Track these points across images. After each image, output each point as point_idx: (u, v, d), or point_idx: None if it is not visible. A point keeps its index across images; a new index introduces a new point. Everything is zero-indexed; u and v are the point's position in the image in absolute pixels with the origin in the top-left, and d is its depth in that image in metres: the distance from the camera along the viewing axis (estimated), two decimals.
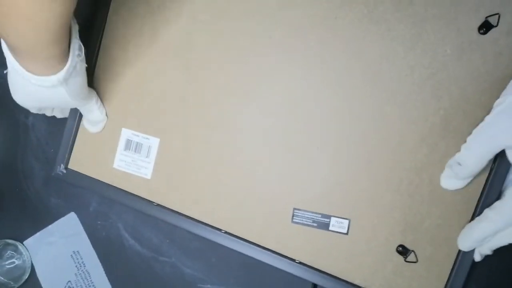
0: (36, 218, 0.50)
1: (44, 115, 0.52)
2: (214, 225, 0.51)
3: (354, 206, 0.47)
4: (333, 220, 0.48)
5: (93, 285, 0.48)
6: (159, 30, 0.52)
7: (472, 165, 0.42)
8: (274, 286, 0.50)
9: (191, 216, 0.51)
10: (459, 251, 0.44)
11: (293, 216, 0.48)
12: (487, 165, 0.41)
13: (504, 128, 0.40)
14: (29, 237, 0.49)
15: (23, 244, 0.49)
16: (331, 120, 0.47)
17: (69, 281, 0.48)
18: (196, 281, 0.51)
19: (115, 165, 0.54)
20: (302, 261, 0.48)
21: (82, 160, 0.54)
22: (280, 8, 0.48)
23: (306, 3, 0.47)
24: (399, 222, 0.46)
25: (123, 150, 0.53)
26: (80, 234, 0.49)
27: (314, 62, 0.48)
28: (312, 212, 0.48)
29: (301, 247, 0.48)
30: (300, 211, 0.48)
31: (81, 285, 0.48)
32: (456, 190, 0.44)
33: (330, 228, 0.48)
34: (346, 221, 0.47)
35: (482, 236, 0.42)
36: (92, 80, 0.54)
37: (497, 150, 0.40)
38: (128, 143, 0.53)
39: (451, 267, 0.45)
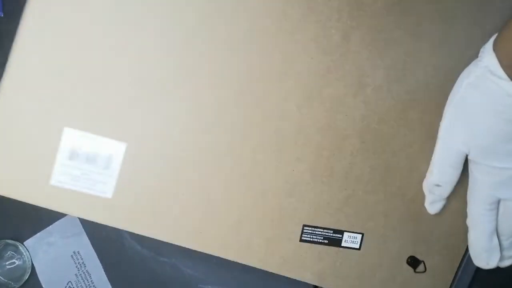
0: (36, 219, 0.48)
1: None
2: (205, 252, 0.40)
3: (368, 218, 0.43)
4: (345, 236, 0.42)
5: (93, 285, 0.48)
6: None
7: (450, 181, 0.42)
8: (275, 287, 0.47)
9: (173, 243, 0.40)
10: (464, 256, 0.45)
11: (301, 234, 0.42)
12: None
13: (462, 133, 0.40)
14: (29, 237, 0.48)
15: (23, 245, 0.47)
16: (351, 123, 0.41)
17: (70, 281, 0.48)
18: (196, 282, 0.48)
19: (54, 181, 0.37)
20: (309, 282, 0.43)
21: None
22: None
23: None
24: (411, 233, 0.44)
25: (67, 160, 0.37)
26: (80, 234, 0.47)
27: (334, 55, 0.40)
28: (323, 228, 0.42)
29: (309, 267, 0.42)
30: (310, 228, 0.42)
31: (81, 285, 0.48)
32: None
33: (343, 244, 0.42)
34: (359, 236, 0.43)
35: (480, 244, 0.42)
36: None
37: (462, 155, 0.40)
38: (75, 150, 0.37)
39: (454, 272, 0.45)
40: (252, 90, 0.39)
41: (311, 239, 0.42)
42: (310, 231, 0.42)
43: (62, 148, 0.37)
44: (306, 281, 0.43)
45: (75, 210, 0.38)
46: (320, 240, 0.42)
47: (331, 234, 0.42)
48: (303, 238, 0.42)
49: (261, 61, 0.39)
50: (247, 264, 0.41)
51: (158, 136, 0.39)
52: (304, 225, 0.42)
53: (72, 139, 0.37)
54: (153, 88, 0.38)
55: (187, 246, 0.40)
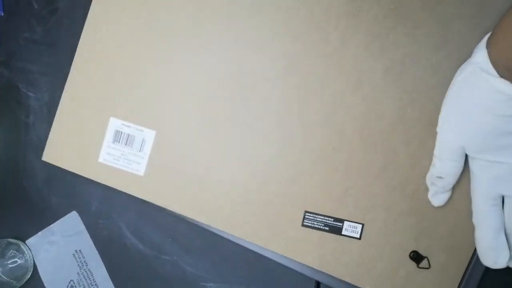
0: (38, 218, 0.49)
1: (46, 113, 0.48)
2: (216, 227, 0.46)
3: (368, 210, 0.45)
4: (346, 224, 0.45)
5: (95, 284, 0.48)
6: (160, 12, 0.46)
7: (452, 173, 0.42)
8: (278, 284, 0.49)
9: (190, 217, 0.47)
10: (472, 256, 0.44)
11: (303, 219, 0.46)
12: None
13: (455, 128, 0.41)
14: (31, 236, 0.49)
15: (25, 244, 0.49)
16: (350, 119, 0.45)
17: (72, 280, 0.48)
18: (198, 280, 0.49)
19: (101, 159, 0.47)
20: (311, 266, 0.46)
21: (60, 152, 0.47)
22: None
23: None
24: (413, 228, 0.45)
25: (111, 143, 0.47)
26: (82, 233, 0.48)
27: (333, 58, 0.44)
28: (324, 216, 0.45)
29: (310, 251, 0.46)
30: (311, 214, 0.46)
31: (83, 284, 0.48)
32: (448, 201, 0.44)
33: (343, 232, 0.45)
34: (360, 226, 0.45)
35: (486, 242, 0.41)
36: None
37: (460, 149, 0.41)
38: (117, 135, 0.47)
39: (463, 272, 0.45)
40: (258, 89, 0.45)
41: (312, 225, 0.46)
42: (312, 217, 0.46)
43: (108, 133, 0.47)
44: (308, 264, 0.46)
45: (115, 183, 0.47)
46: (321, 227, 0.46)
47: (332, 222, 0.45)
48: (304, 223, 0.46)
49: (267, 64, 0.45)
50: (253, 243, 0.46)
51: (180, 127, 0.46)
52: (306, 211, 0.46)
53: (116, 126, 0.47)
54: (176, 89, 0.46)
55: (200, 221, 0.46)
